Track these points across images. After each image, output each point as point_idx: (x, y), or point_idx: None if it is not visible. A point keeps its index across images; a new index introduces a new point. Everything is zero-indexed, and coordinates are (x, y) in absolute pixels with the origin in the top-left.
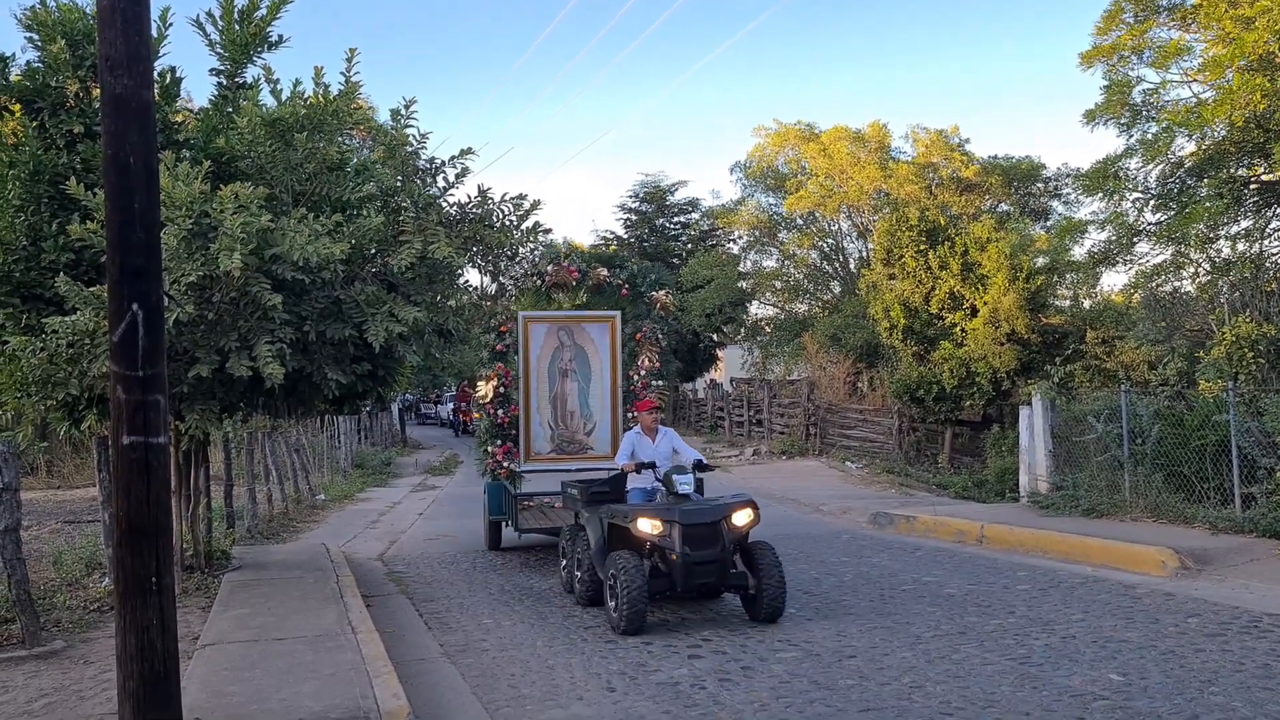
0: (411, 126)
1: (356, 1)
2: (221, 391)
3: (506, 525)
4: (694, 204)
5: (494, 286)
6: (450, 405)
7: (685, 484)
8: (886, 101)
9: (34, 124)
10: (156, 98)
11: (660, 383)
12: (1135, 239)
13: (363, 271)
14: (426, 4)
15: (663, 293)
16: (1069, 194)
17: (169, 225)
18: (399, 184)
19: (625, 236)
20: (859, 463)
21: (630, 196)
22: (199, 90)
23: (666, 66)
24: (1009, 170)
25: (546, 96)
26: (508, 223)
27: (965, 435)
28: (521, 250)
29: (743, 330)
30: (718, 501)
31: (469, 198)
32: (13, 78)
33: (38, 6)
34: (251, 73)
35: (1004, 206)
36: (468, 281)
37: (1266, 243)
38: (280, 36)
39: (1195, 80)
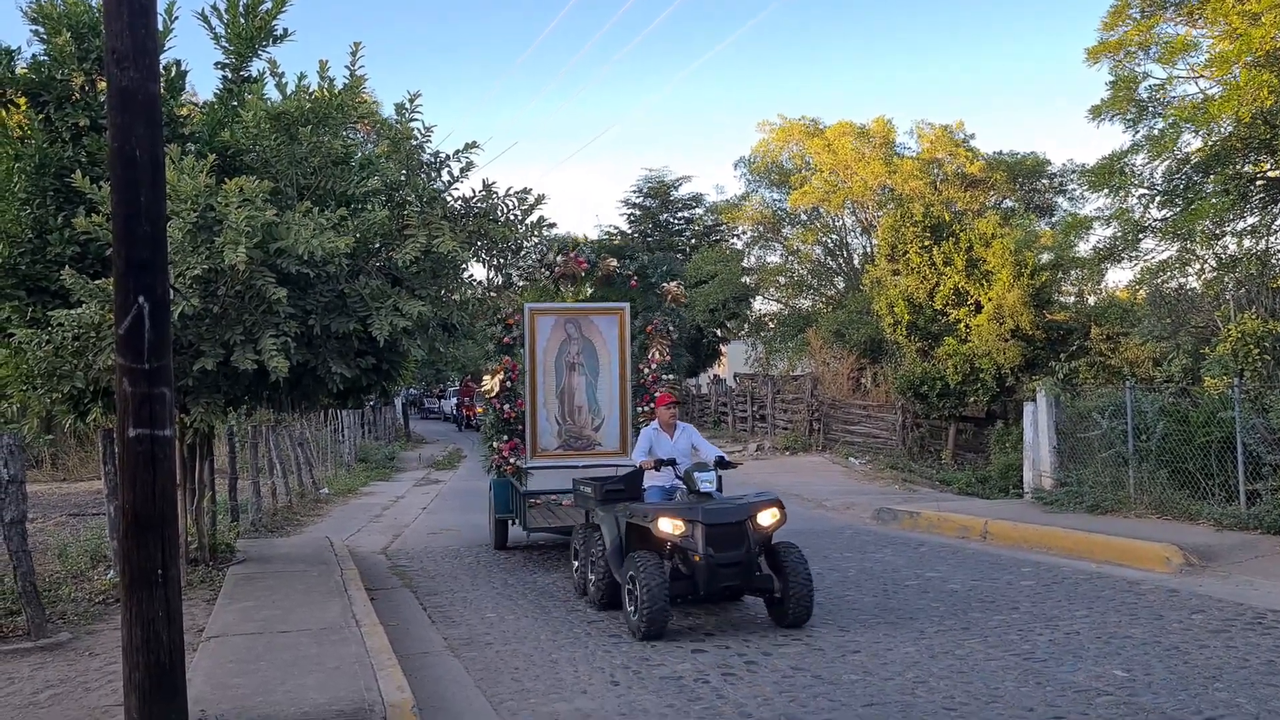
0: (416, 120)
1: None
2: (226, 385)
3: (513, 523)
4: (698, 199)
5: (499, 279)
6: (453, 400)
7: (708, 482)
8: (891, 97)
9: (39, 117)
10: (162, 91)
11: (671, 376)
12: (1141, 235)
13: (367, 265)
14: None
15: (674, 284)
16: (1074, 190)
17: (174, 219)
18: (403, 178)
19: (629, 232)
20: (862, 458)
21: (634, 191)
22: (204, 84)
23: (670, 62)
24: (1014, 166)
25: (550, 92)
26: (512, 217)
27: (969, 431)
28: (525, 245)
29: (746, 326)
30: (742, 500)
31: (473, 192)
32: (18, 71)
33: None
34: (256, 66)
35: (1009, 202)
36: (472, 276)
37: (1273, 239)
38: (285, 30)
39: (1202, 76)
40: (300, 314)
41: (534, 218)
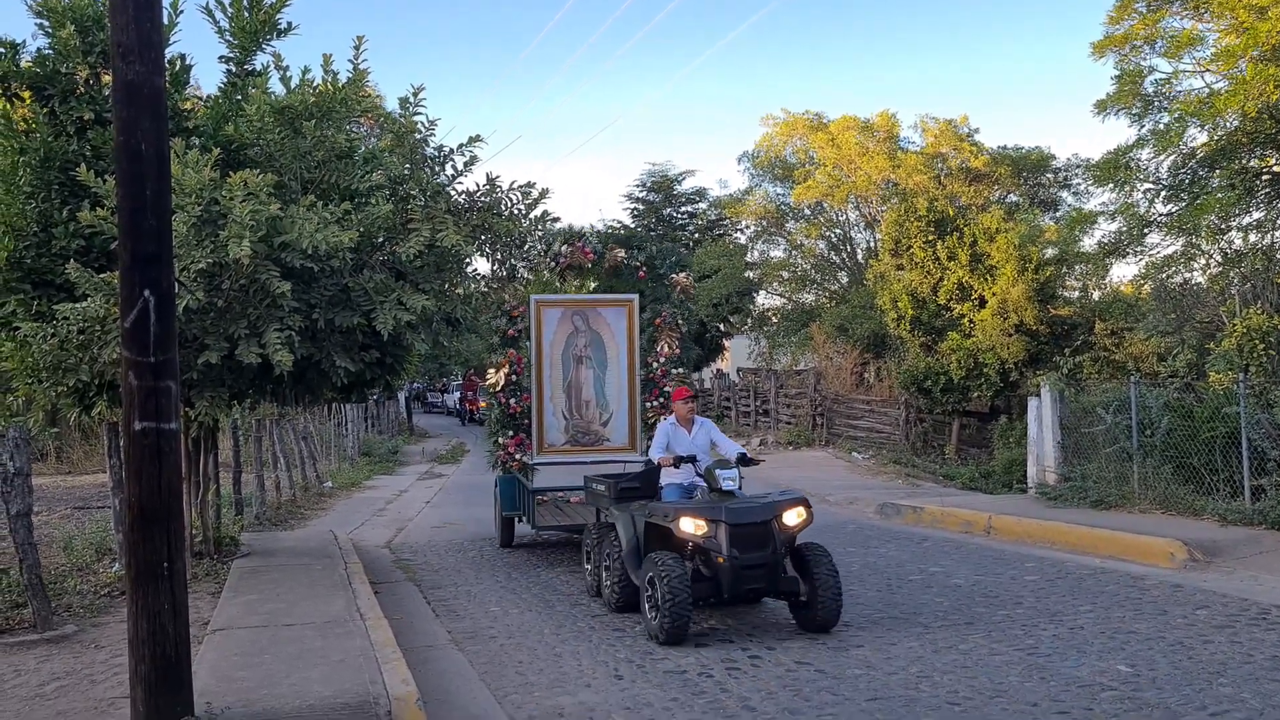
0: (420, 114)
1: None
2: (231, 378)
3: (520, 521)
4: (701, 194)
5: (504, 272)
6: (457, 394)
7: (730, 480)
8: (895, 92)
9: (44, 111)
10: (167, 85)
11: (680, 370)
12: (1146, 230)
13: (371, 259)
14: None
15: (683, 275)
16: (1079, 185)
17: (179, 212)
18: (407, 172)
19: (633, 226)
20: (866, 453)
21: (637, 186)
22: (208, 78)
23: (673, 56)
24: (1018, 160)
25: (553, 86)
26: (516, 211)
27: (973, 426)
28: (530, 239)
29: (749, 320)
30: (767, 499)
31: (477, 186)
32: (23, 64)
33: None
34: (260, 60)
35: (1013, 197)
36: (476, 270)
37: (1278, 234)
38: (289, 24)
39: (1208, 70)
40: (304, 308)
41: (538, 212)
